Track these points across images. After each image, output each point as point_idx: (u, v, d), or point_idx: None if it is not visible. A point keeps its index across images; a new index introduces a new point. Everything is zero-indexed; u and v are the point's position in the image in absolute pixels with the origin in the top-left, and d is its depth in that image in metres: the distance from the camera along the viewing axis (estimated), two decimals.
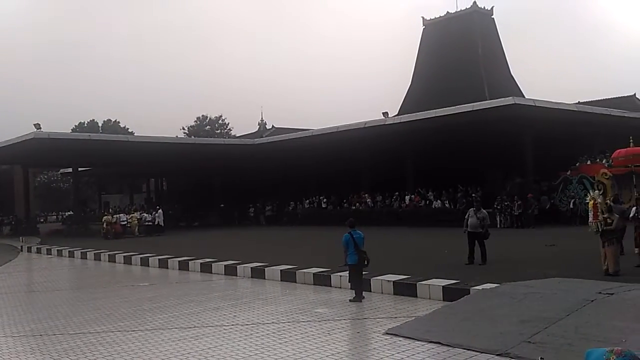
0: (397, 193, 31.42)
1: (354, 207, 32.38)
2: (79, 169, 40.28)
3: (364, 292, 11.31)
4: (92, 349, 8.46)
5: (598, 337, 6.57)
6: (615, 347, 2.57)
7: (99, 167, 45.60)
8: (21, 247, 29.59)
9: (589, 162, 26.23)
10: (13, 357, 8.22)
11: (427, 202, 29.98)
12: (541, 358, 2.65)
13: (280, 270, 14.55)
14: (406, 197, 30.89)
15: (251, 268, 15.41)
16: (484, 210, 14.83)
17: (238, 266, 15.85)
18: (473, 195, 27.16)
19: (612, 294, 8.78)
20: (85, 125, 74.74)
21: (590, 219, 11.93)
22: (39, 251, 27.75)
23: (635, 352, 2.50)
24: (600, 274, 11.19)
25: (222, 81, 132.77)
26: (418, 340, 7.97)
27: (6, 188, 55.63)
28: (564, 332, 7.48)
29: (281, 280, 14.27)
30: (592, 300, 8.56)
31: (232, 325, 9.66)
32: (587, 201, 12.46)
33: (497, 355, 6.98)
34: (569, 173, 26.01)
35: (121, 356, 7.97)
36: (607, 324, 7.45)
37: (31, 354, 8.41)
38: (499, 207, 25.77)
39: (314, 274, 13.66)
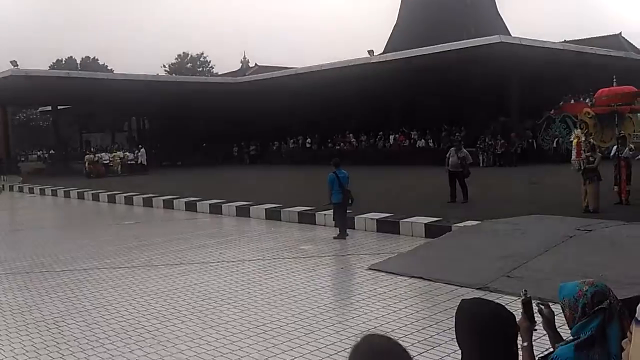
0: (381, 133, 31.43)
1: (338, 147, 32.41)
2: (58, 107, 39.52)
3: (347, 230, 11.47)
4: (80, 286, 8.54)
5: (575, 272, 6.75)
6: (587, 279, 2.64)
7: (78, 105, 44.71)
8: (2, 186, 29.35)
9: (572, 102, 26.32)
10: (0, 295, 8.28)
11: (411, 141, 30.07)
12: (525, 290, 2.71)
13: (265, 209, 14.65)
14: (390, 136, 30.92)
15: (236, 207, 15.49)
16: (465, 150, 14.91)
17: (223, 205, 15.92)
18: (457, 134, 27.25)
19: (591, 230, 8.99)
20: (63, 62, 72.82)
21: (573, 157, 12.08)
22: (21, 190, 27.59)
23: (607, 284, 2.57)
24: (580, 212, 11.42)
25: (204, 18, 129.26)
26: (400, 275, 8.16)
27: None
28: (542, 267, 7.70)
29: (266, 219, 14.40)
30: (571, 237, 8.76)
31: (218, 262, 9.78)
32: (571, 140, 12.57)
33: (477, 289, 7.18)
34: (552, 112, 26.11)
35: (109, 292, 8.07)
36: (585, 260, 7.65)
37: (18, 290, 8.47)
38: (481, 146, 25.93)
39: (298, 212, 13.79)
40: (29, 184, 27.98)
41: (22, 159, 55.17)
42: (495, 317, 2.19)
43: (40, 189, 25.93)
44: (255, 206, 15.10)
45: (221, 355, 5.51)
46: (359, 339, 1.97)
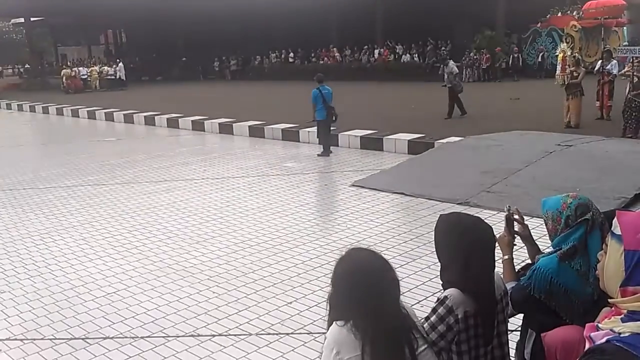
0: (366, 47, 30.82)
1: (322, 62, 31.82)
2: (32, 18, 37.92)
3: (331, 147, 11.50)
4: (64, 202, 8.57)
5: (554, 187, 6.90)
6: (570, 193, 2.71)
7: (52, 16, 42.94)
8: None
9: (559, 14, 25.85)
10: None
11: (396, 56, 29.59)
12: (508, 206, 2.78)
13: (249, 126, 14.56)
14: (375, 51, 30.37)
15: (219, 124, 15.37)
16: (451, 64, 14.76)
17: (205, 122, 15.78)
18: (442, 48, 26.84)
19: (571, 145, 9.10)
20: None
21: (558, 71, 12.04)
22: None
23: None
24: (561, 127, 11.52)
25: None
26: (383, 191, 8.28)
27: None
28: (522, 181, 7.85)
29: (249, 136, 14.34)
30: (551, 152, 8.88)
31: (202, 179, 9.82)
32: (557, 54, 12.46)
33: (457, 204, 7.34)
34: (539, 25, 25.69)
35: (94, 209, 8.12)
36: (564, 174, 7.80)
37: (2, 208, 8.48)
38: (466, 60, 25.64)
39: (282, 129, 13.73)
40: (6, 100, 27.33)
41: None
42: (473, 228, 2.25)
43: (17, 104, 25.38)
44: (238, 123, 14.99)
45: (209, 269, 5.65)
46: (343, 252, 2.03)
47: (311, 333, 4.31)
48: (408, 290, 4.75)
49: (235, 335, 4.34)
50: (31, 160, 12.87)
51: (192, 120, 16.19)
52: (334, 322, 1.93)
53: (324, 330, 4.26)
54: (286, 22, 33.55)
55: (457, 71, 14.46)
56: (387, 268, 1.98)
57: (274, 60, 35.40)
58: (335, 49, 31.99)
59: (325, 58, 32.27)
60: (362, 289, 1.90)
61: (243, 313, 4.68)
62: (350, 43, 31.71)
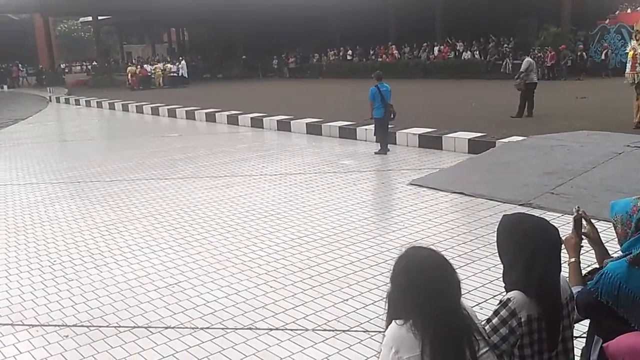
0: (425, 44, 30.44)
1: (380, 59, 31.65)
2: (99, 17, 39.41)
3: (389, 145, 11.43)
4: (129, 195, 8.88)
5: (622, 189, 6.64)
6: None
7: (118, 15, 44.52)
8: (50, 97, 30.00)
9: (629, 11, 24.75)
10: (55, 203, 8.69)
11: (457, 53, 29.08)
12: (577, 207, 2.68)
13: (306, 123, 14.65)
14: (435, 48, 29.95)
15: (277, 121, 15.53)
16: (523, 59, 14.38)
17: (264, 119, 15.98)
18: (505, 45, 26.20)
19: None
20: None
21: (628, 70, 11.51)
22: (67, 101, 28.17)
23: None
24: (630, 128, 11.04)
25: None
26: (441, 190, 8.17)
27: (27, 38, 55.13)
28: (588, 184, 7.58)
29: (307, 133, 14.43)
30: (620, 153, 8.54)
31: (261, 175, 9.96)
32: (627, 52, 11.94)
33: (520, 205, 7.15)
34: (607, 22, 24.69)
35: (156, 202, 8.37)
36: (633, 177, 7.48)
37: (71, 199, 8.87)
38: (532, 57, 24.88)
39: (339, 127, 13.74)
40: (75, 96, 28.51)
41: (67, 70, 55.93)
42: (538, 229, 2.19)
43: (85, 100, 26.43)
44: (295, 120, 15.11)
45: (266, 264, 5.73)
46: (403, 250, 2.01)
47: (367, 331, 4.30)
48: (468, 292, 4.67)
49: (291, 330, 4.39)
50: (98, 154, 13.39)
51: (251, 117, 16.44)
52: (393, 321, 1.92)
53: (381, 329, 4.24)
54: (344, 19, 33.58)
55: (524, 69, 13.98)
56: (448, 268, 1.95)
57: (331, 58, 35.46)
58: (393, 46, 31.75)
59: (384, 55, 32.07)
60: (422, 287, 1.88)
61: (299, 308, 4.73)
62: (409, 40, 31.40)
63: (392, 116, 11.24)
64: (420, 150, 11.51)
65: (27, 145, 15.17)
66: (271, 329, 4.41)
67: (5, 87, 42.43)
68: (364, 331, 4.31)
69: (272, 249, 6.15)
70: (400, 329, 1.88)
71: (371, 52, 33.30)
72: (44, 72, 44.28)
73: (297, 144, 13.39)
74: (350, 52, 34.53)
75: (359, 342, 4.15)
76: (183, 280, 5.43)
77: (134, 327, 4.57)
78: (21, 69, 47.46)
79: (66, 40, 66.80)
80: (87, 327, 4.61)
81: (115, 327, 4.59)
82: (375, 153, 11.23)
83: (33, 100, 30.30)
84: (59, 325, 4.65)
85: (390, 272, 1.99)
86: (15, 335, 4.53)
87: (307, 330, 4.37)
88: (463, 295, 1.95)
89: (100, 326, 4.61)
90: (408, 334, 1.85)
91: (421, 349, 1.82)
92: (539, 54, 24.75)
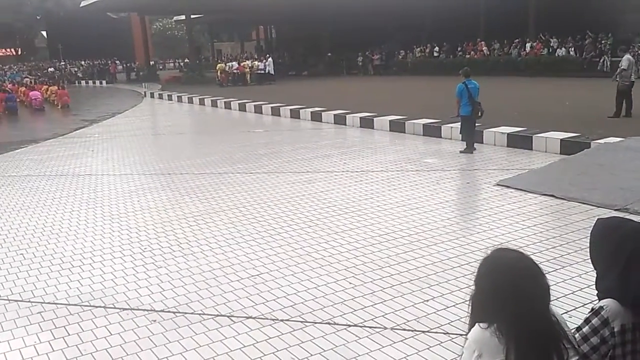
0: (517, 40, 29.35)
1: (468, 56, 30.86)
2: (192, 16, 40.91)
3: (475, 144, 11.13)
4: (216, 188, 9.17)
5: None
6: None
7: (210, 13, 46.05)
8: (144, 92, 31.52)
9: None
10: (147, 193, 9.12)
11: (550, 49, 27.83)
12: None
13: (389, 121, 14.53)
14: (527, 44, 28.80)
15: (360, 118, 15.51)
16: (625, 57, 13.60)
17: (347, 115, 16.01)
18: (602, 42, 24.81)
19: None
20: None
21: None
22: (160, 97, 29.48)
23: None
24: None
25: None
26: (530, 192, 7.85)
27: (125, 36, 58.28)
28: None
29: (390, 131, 14.31)
30: None
31: (343, 171, 9.98)
32: None
33: (615, 210, 6.74)
34: None
35: (241, 195, 8.59)
36: None
37: (162, 190, 9.28)
38: (632, 54, 23.42)
39: (423, 124, 13.53)
40: (167, 92, 29.79)
41: (161, 67, 58.59)
42: (635, 234, 2.05)
43: (177, 96, 27.55)
44: (379, 117, 15.03)
45: (346, 260, 5.74)
46: (489, 252, 1.94)
47: (448, 333, 4.21)
48: (557, 299, 4.46)
49: (370, 327, 4.37)
50: (188, 147, 13.93)
51: (334, 114, 16.51)
52: (477, 324, 1.86)
53: (462, 332, 4.14)
54: (432, 15, 33.01)
55: (625, 66, 13.18)
56: (537, 271, 1.87)
57: (418, 54, 34.95)
58: (482, 42, 30.84)
59: (472, 52, 31.23)
60: (508, 291, 1.81)
61: (378, 306, 4.70)
62: (498, 36, 30.38)
63: (479, 114, 10.92)
64: (508, 150, 11.12)
65: (123, 137, 16.01)
66: (349, 325, 4.41)
67: (103, 82, 45.04)
68: (444, 333, 4.22)
69: (352, 246, 6.15)
70: (483, 332, 1.82)
71: (459, 49, 32.52)
72: (140, 69, 46.63)
73: (379, 141, 13.31)
74: (437, 48, 33.88)
75: (439, 344, 4.07)
76: (264, 272, 5.54)
77: (217, 315, 4.71)
78: (118, 65, 50.23)
79: (160, 38, 70.08)
80: (174, 312, 4.80)
81: (199, 314, 4.75)
82: (461, 152, 10.97)
83: (129, 96, 31.95)
84: (147, 310, 4.87)
85: (475, 273, 1.93)
86: (107, 317, 4.79)
87: (385, 328, 4.33)
88: (552, 302, 1.86)
89: (185, 313, 4.78)
90: (492, 337, 1.79)
91: (505, 354, 1.75)
92: (639, 52, 23.26)
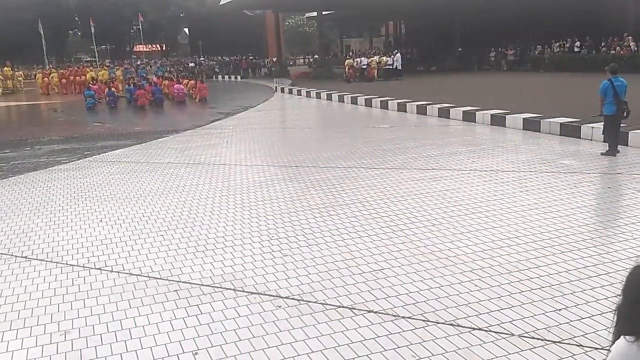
0: None
1: (613, 52, 28.59)
2: (323, 12, 41.69)
3: (619, 146, 10.30)
4: (340, 182, 9.28)
5: None
6: None
7: (340, 9, 46.63)
8: (275, 87, 32.66)
9: None
10: (275, 184, 9.45)
11: None
12: None
13: (523, 119, 13.85)
14: None
15: (491, 115, 14.94)
16: None
17: (477, 112, 15.49)
18: None
19: None
20: None
21: None
22: (290, 92, 30.38)
23: None
24: None
25: None
26: None
27: (259, 33, 60.69)
28: None
29: (523, 129, 13.65)
30: None
31: (470, 170, 9.68)
32: None
33: None
34: None
35: (365, 190, 8.63)
36: None
37: (289, 182, 9.57)
38: None
39: (560, 123, 12.75)
40: (297, 87, 30.61)
41: (291, 63, 60.37)
42: None
43: (306, 91, 28.23)
44: (511, 115, 14.38)
45: (472, 261, 5.56)
46: (639, 261, 1.81)
47: (582, 346, 3.94)
48: None
49: (496, 332, 4.20)
50: (314, 141, 14.23)
51: (463, 111, 16.05)
52: (622, 337, 1.73)
53: (598, 345, 3.87)
54: (573, 7, 30.92)
55: None
56: None
57: (556, 49, 32.96)
58: (630, 37, 28.41)
59: (617, 47, 28.89)
60: None
61: (506, 311, 4.50)
62: None
63: (625, 114, 10.09)
64: None
65: (254, 130, 16.71)
66: (474, 329, 4.27)
67: (238, 77, 47.28)
68: (577, 345, 3.95)
69: (478, 247, 5.95)
70: (630, 346, 1.68)
71: (602, 44, 30.23)
72: (272, 64, 48.37)
73: (511, 140, 12.74)
74: (578, 43, 31.73)
75: (571, 356, 3.82)
76: (386, 268, 5.52)
77: (339, 306, 4.77)
78: (253, 61, 52.45)
79: (292, 35, 72.19)
80: (298, 300, 4.93)
81: (322, 303, 4.84)
82: (602, 154, 10.21)
83: (261, 91, 33.26)
84: (273, 296, 5.05)
85: (623, 283, 1.79)
86: (236, 299, 5.03)
87: (513, 335, 4.14)
88: None
89: (309, 301, 4.90)
90: (639, 352, 1.65)
91: None
92: None
